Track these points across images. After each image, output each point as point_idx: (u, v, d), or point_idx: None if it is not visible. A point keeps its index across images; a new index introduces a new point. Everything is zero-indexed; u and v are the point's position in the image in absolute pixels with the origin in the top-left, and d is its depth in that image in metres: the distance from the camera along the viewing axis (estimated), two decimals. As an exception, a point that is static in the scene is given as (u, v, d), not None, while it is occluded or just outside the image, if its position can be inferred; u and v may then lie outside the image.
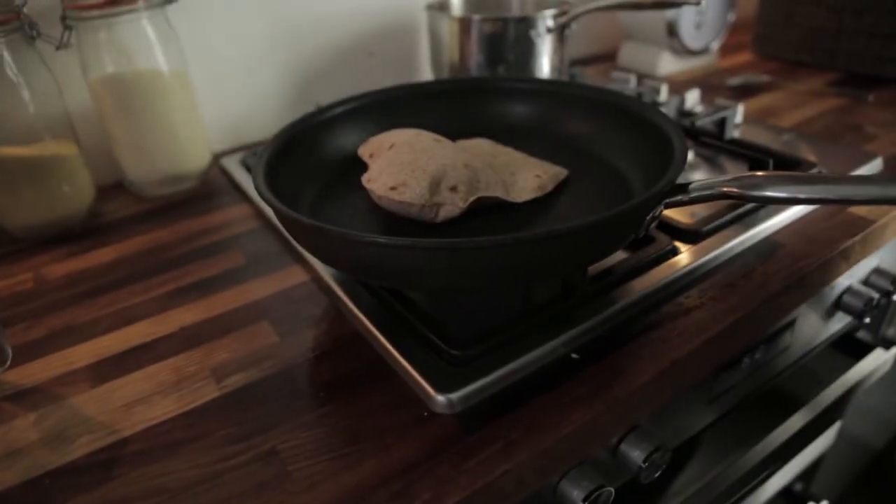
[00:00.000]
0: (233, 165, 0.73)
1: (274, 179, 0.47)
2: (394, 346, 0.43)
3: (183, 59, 0.68)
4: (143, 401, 0.43)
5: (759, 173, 0.40)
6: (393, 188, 0.45)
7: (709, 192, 0.41)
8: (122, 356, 0.47)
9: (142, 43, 0.64)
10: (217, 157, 0.77)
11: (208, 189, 0.72)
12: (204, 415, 0.41)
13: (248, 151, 0.76)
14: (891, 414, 1.24)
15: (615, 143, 0.54)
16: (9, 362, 0.46)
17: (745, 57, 1.08)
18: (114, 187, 0.72)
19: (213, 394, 0.43)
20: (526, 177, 0.50)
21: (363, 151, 0.53)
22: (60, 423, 0.41)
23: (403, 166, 0.46)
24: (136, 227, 0.64)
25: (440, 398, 0.39)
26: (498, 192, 0.46)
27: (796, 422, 0.65)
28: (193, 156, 0.70)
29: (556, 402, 0.40)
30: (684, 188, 0.41)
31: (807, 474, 0.89)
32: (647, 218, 0.41)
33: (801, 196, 0.38)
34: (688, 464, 0.60)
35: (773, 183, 0.39)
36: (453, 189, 0.45)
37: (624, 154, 0.54)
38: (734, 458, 0.61)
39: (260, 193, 0.43)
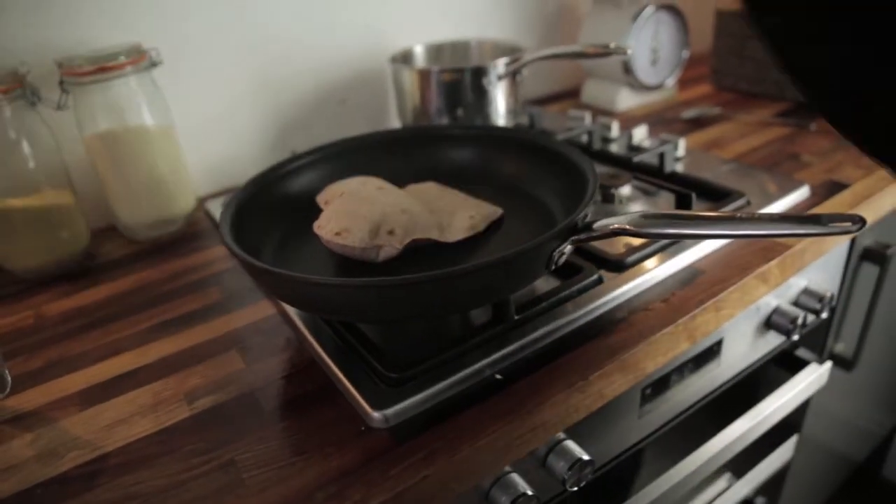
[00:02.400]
0: (215, 208, 0.80)
1: (239, 225, 0.53)
2: (341, 370, 0.50)
3: (168, 114, 0.75)
4: (124, 421, 0.49)
5: (649, 212, 0.46)
6: (338, 233, 0.52)
7: (605, 230, 0.47)
8: (108, 383, 0.54)
9: (131, 102, 0.71)
10: (202, 201, 0.85)
11: (193, 230, 0.79)
12: (175, 432, 0.48)
13: (230, 195, 0.83)
14: (868, 426, 1.27)
15: (543, 181, 0.61)
16: (8, 389, 0.53)
17: (704, 89, 1.14)
18: (108, 230, 0.80)
19: (184, 414, 0.49)
20: (461, 217, 0.56)
21: (320, 199, 0.60)
22: (52, 441, 0.48)
23: (348, 214, 0.52)
24: (127, 267, 0.72)
25: (376, 414, 0.46)
26: (431, 234, 0.53)
27: (733, 433, 0.70)
28: (179, 201, 0.77)
29: (476, 417, 0.46)
30: (588, 227, 0.48)
31: (768, 488, 0.93)
32: (555, 253, 0.47)
33: (673, 232, 0.44)
34: (633, 476, 0.66)
35: (655, 221, 0.45)
36: (391, 233, 0.51)
37: (551, 192, 0.60)
38: (674, 469, 0.66)
39: (223, 239, 0.49)
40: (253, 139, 0.90)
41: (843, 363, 0.90)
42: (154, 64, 0.72)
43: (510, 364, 0.50)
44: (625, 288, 0.57)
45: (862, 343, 0.88)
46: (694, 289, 0.58)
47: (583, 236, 0.47)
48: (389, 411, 0.46)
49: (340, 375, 0.49)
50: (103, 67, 0.68)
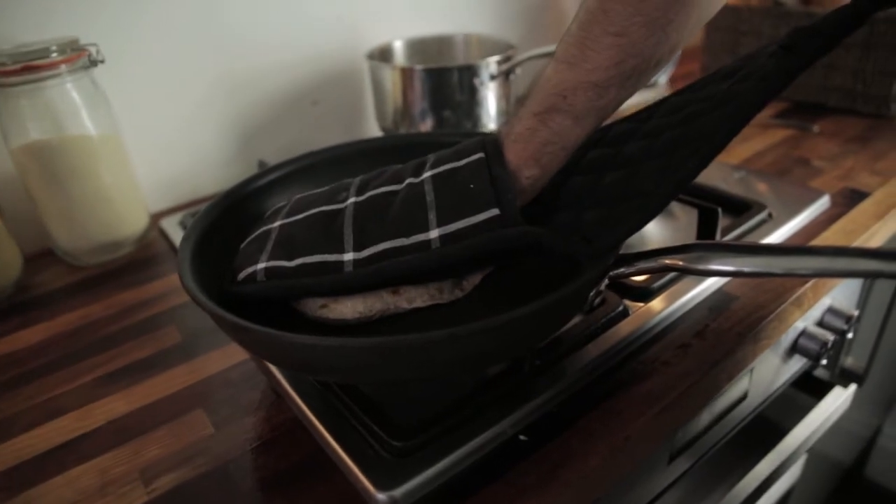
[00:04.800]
0: (172, 228, 0.70)
1: (203, 260, 0.44)
2: (333, 437, 0.41)
3: (113, 121, 0.65)
4: (64, 511, 0.40)
5: (705, 242, 0.39)
6: (323, 306, 0.42)
7: (652, 264, 0.39)
8: (42, 458, 0.44)
9: (67, 108, 0.61)
10: (156, 218, 0.74)
11: (147, 254, 0.68)
12: (130, 526, 0.38)
13: (189, 211, 0.73)
14: (857, 429, 1.25)
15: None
16: (-86, 474, 0.43)
17: (694, 87, 1.08)
18: (44, 255, 0.69)
19: (140, 499, 0.40)
20: None
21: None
22: (-31, 545, 0.38)
23: None
24: (68, 301, 0.61)
25: (381, 496, 0.37)
26: (449, 291, 0.44)
27: (764, 468, 0.64)
28: (129, 220, 0.67)
29: (504, 494, 0.38)
30: (628, 260, 0.40)
31: (775, 508, 0.89)
32: (591, 294, 0.40)
33: (746, 270, 0.37)
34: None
35: (717, 256, 0.38)
36: (395, 292, 0.42)
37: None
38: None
39: (184, 284, 0.40)
40: (213, 146, 0.80)
41: (854, 378, 0.85)
42: (94, 62, 0.62)
43: (536, 420, 0.43)
44: (653, 321, 0.50)
45: (873, 358, 0.84)
46: (729, 319, 0.51)
47: (623, 270, 0.40)
48: (398, 492, 0.37)
49: (333, 443, 0.41)
50: (31, 66, 0.57)
